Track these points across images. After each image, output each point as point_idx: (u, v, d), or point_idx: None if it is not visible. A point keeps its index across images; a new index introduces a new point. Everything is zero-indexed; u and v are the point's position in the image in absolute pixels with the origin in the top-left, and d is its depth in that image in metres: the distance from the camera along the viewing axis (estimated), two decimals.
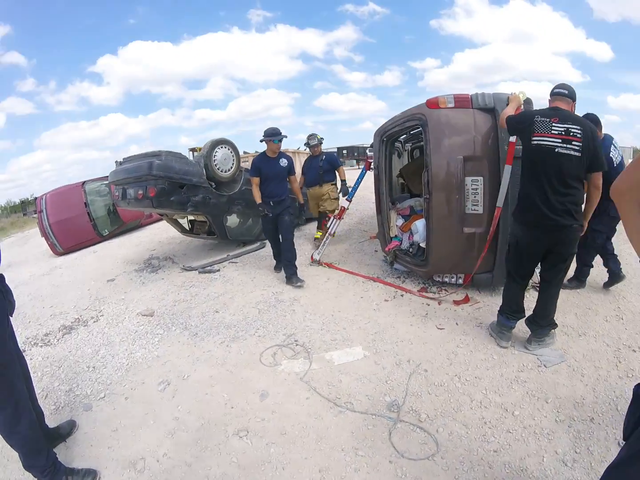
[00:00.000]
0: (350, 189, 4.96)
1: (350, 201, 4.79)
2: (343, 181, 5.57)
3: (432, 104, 3.39)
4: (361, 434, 2.08)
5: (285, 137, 4.23)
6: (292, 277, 4.16)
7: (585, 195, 2.60)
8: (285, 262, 4.24)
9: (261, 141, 4.18)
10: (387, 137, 4.01)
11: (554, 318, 2.81)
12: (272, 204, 4.20)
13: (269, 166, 4.15)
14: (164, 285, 4.49)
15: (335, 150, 36.32)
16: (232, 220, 5.23)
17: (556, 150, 2.42)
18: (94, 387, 2.70)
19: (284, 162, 4.23)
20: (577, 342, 2.96)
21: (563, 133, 2.41)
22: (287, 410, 2.28)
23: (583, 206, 2.60)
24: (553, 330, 2.85)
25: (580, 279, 3.73)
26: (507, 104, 3.00)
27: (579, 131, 2.40)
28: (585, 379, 2.53)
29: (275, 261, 4.67)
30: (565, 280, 3.27)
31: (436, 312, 3.45)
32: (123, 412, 2.44)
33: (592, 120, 3.27)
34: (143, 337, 3.26)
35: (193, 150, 10.61)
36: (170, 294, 4.07)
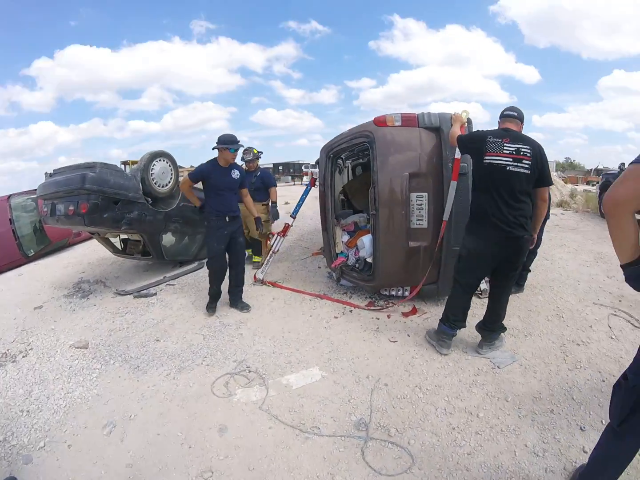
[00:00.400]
0: (277, 211, 5.10)
1: (294, 218, 4.75)
2: (273, 203, 5.30)
3: (380, 122, 3.51)
4: (334, 458, 2.01)
5: (242, 146, 3.89)
6: (238, 302, 3.92)
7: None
8: (236, 288, 3.94)
9: (214, 149, 3.72)
10: (334, 153, 4.05)
11: (503, 322, 3.01)
12: (227, 219, 3.75)
13: (219, 176, 3.69)
14: (96, 312, 4.06)
15: (271, 166, 36.26)
16: (168, 238, 4.87)
17: (507, 168, 2.61)
18: (32, 435, 2.31)
19: (235, 173, 3.87)
20: (525, 342, 3.23)
21: (514, 152, 2.61)
22: (250, 443, 2.13)
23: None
24: (502, 333, 3.05)
25: (519, 284, 4.05)
26: (452, 124, 3.19)
27: (529, 150, 2.62)
28: (538, 375, 2.75)
29: (209, 298, 3.91)
30: None
31: (387, 325, 3.52)
32: (68, 463, 2.10)
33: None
34: (79, 373, 2.88)
35: (125, 163, 9.95)
36: (104, 322, 3.68)
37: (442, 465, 1.98)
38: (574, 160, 49.46)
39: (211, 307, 3.83)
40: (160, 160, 4.63)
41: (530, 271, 4.14)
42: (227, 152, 3.68)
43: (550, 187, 3.41)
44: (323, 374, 2.72)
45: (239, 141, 3.79)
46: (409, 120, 3.48)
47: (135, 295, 4.31)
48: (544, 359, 2.95)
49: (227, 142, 3.68)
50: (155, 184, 4.54)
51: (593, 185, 20.38)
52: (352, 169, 6.56)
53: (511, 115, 2.80)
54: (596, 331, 3.40)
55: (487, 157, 2.66)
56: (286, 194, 18.27)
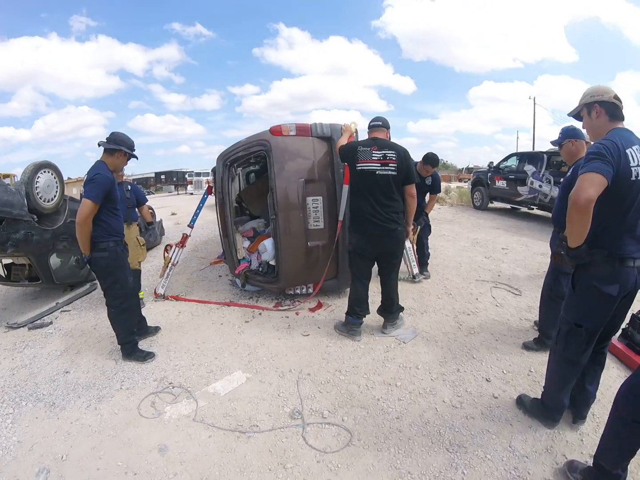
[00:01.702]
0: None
1: (192, 227, 4.79)
2: (149, 224, 4.88)
3: (276, 131, 3.82)
4: (279, 450, 2.19)
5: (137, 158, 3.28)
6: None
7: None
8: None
9: (110, 151, 3.02)
10: (231, 161, 4.23)
11: (399, 303, 3.58)
12: (123, 244, 3.23)
13: (116, 187, 3.10)
14: None
15: (153, 175, 33.92)
16: (56, 260, 4.46)
17: (376, 172, 3.15)
18: None
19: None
20: (422, 318, 3.89)
21: (381, 158, 3.15)
22: (195, 456, 2.17)
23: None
24: (401, 313, 3.63)
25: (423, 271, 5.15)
26: (342, 134, 3.65)
27: (394, 155, 3.17)
28: (439, 343, 3.37)
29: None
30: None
31: (297, 322, 3.85)
32: None
33: (429, 159, 4.62)
34: None
35: None
36: (2, 360, 3.27)
37: (377, 432, 2.31)
38: (447, 161, 56.91)
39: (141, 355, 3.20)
40: (44, 172, 4.20)
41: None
42: (124, 159, 3.14)
43: None
44: (247, 376, 2.90)
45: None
46: (303, 130, 3.87)
47: (30, 327, 3.92)
48: (441, 330, 3.62)
49: (132, 148, 3.16)
50: (40, 198, 4.12)
51: (465, 182, 23.50)
52: (245, 176, 6.75)
53: (377, 125, 3.35)
54: (482, 302, 4.26)
55: (358, 165, 3.18)
56: (172, 204, 17.58)
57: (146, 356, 3.17)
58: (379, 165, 3.14)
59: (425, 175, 4.79)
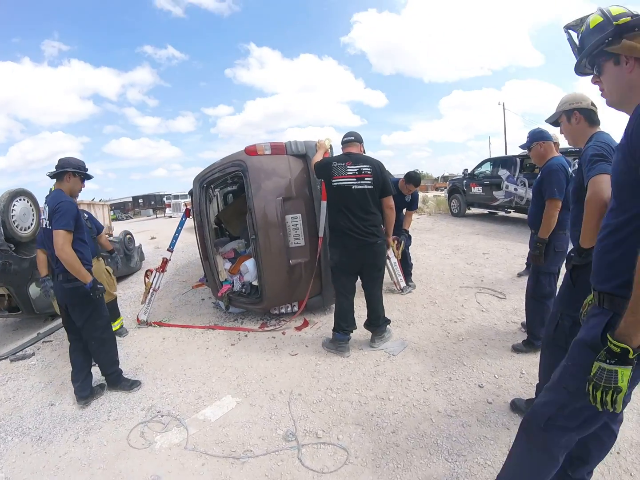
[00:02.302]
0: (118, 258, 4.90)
1: (171, 251, 4.75)
2: (111, 252, 4.49)
3: (251, 151, 3.86)
4: (276, 473, 2.15)
5: (92, 177, 3.15)
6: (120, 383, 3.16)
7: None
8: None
9: (57, 175, 2.89)
10: (207, 183, 4.23)
11: (385, 315, 3.59)
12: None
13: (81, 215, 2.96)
14: None
15: (130, 199, 33.47)
16: (35, 289, 4.31)
17: (353, 187, 3.20)
18: None
19: (83, 215, 3.37)
20: (410, 329, 3.91)
21: (357, 173, 3.21)
22: None
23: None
24: (388, 325, 3.65)
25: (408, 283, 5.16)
26: (317, 151, 3.70)
27: (369, 169, 3.23)
28: (429, 353, 3.39)
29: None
30: None
31: (284, 341, 3.82)
32: None
33: (412, 178, 4.69)
34: None
35: None
36: None
37: (374, 448, 2.30)
38: (422, 171, 57.80)
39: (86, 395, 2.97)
40: (20, 199, 4.18)
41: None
42: (78, 181, 3.00)
43: None
44: (237, 400, 2.86)
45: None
46: (277, 149, 3.91)
47: (12, 359, 3.80)
48: (430, 339, 3.65)
49: (80, 167, 2.98)
50: (17, 227, 4.08)
51: (442, 190, 23.91)
52: (223, 196, 6.75)
53: (350, 140, 3.41)
54: (468, 308, 4.33)
55: (334, 181, 3.23)
56: (151, 228, 17.38)
57: (132, 385, 3.09)
58: (355, 180, 3.19)
59: (406, 194, 4.86)
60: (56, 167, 2.92)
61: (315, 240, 3.99)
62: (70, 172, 2.91)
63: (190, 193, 4.61)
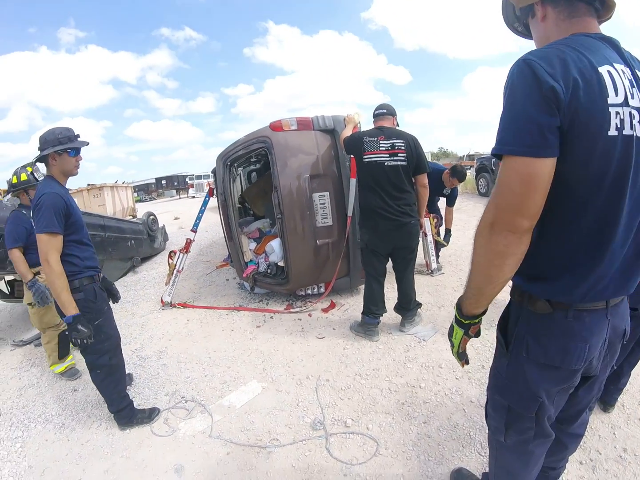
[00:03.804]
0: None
1: (195, 232, 4.64)
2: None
3: (276, 127, 3.66)
4: (303, 464, 2.06)
5: (87, 143, 2.36)
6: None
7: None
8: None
9: (40, 158, 2.24)
10: (231, 161, 4.07)
11: (416, 299, 3.40)
12: (101, 279, 2.46)
13: (76, 205, 2.36)
14: None
15: (154, 180, 33.81)
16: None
17: (385, 164, 2.96)
18: None
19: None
20: (440, 313, 3.73)
21: (389, 148, 2.97)
22: (213, 475, 2.03)
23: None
24: (419, 309, 3.46)
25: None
26: (345, 126, 3.47)
27: (403, 144, 2.99)
28: None
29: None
30: None
31: (310, 324, 3.69)
32: None
33: (458, 172, 4.44)
34: (0, 448, 2.45)
35: None
36: (10, 380, 3.14)
37: (404, 439, 2.18)
38: (447, 149, 56.61)
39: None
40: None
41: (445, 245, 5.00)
42: (65, 159, 2.24)
43: None
44: (263, 386, 2.75)
45: (78, 134, 2.33)
46: (304, 124, 3.70)
47: (36, 344, 3.78)
48: None
49: (61, 140, 2.21)
50: None
51: (468, 169, 23.24)
52: (247, 175, 6.60)
53: (382, 114, 3.16)
54: (500, 292, 4.05)
55: (365, 157, 3.00)
56: (174, 208, 17.55)
57: (151, 413, 2.51)
58: (388, 155, 2.97)
59: (448, 187, 4.63)
60: (38, 148, 2.26)
61: (344, 220, 3.80)
62: (52, 153, 2.19)
63: (214, 172, 4.46)
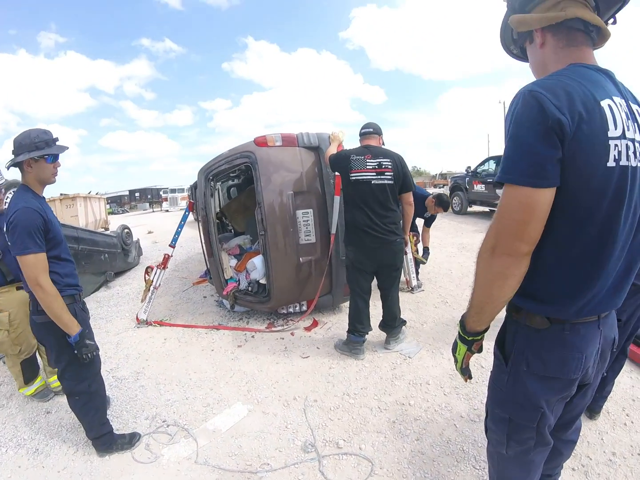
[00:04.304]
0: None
1: (173, 247, 4.51)
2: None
3: (260, 142, 3.62)
4: None
5: (67, 148, 2.16)
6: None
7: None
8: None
9: (14, 165, 2.02)
10: (213, 175, 3.99)
11: (401, 316, 3.41)
12: (83, 299, 2.28)
13: (55, 217, 2.15)
14: None
15: (127, 193, 33.00)
16: None
17: (372, 182, 2.99)
18: None
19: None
20: (423, 330, 3.74)
21: (376, 167, 3.00)
22: None
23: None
24: (403, 327, 3.46)
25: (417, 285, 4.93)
26: (330, 143, 3.48)
27: (389, 163, 3.02)
28: (445, 355, 3.22)
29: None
30: None
31: (294, 343, 3.61)
32: None
33: (443, 202, 4.55)
34: None
35: None
36: None
37: (399, 457, 2.15)
38: (420, 168, 58.03)
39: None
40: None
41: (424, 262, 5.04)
42: (42, 165, 2.04)
43: None
44: (249, 408, 2.65)
45: (56, 138, 2.11)
46: (288, 140, 3.68)
47: (4, 361, 3.56)
48: (445, 340, 3.48)
49: (37, 145, 1.99)
50: None
51: (440, 187, 23.94)
52: (227, 190, 6.51)
53: (368, 132, 3.20)
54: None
55: (352, 175, 3.01)
56: (147, 222, 17.10)
57: (132, 439, 2.35)
58: (374, 174, 2.99)
59: (431, 213, 4.76)
60: (12, 152, 2.04)
61: (327, 237, 3.78)
62: (28, 158, 1.97)
63: (193, 187, 4.37)
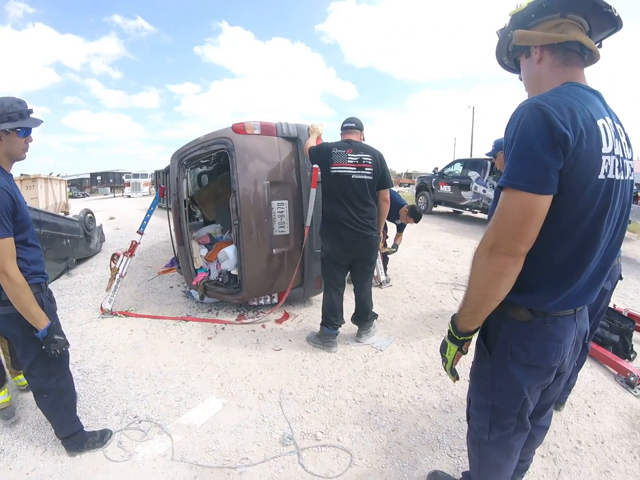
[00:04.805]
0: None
1: (142, 234, 4.30)
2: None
3: (239, 129, 3.51)
4: None
5: (41, 122, 1.94)
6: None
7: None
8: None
9: None
10: (187, 160, 3.84)
11: (373, 310, 3.45)
12: (48, 289, 2.07)
13: (22, 198, 1.90)
14: None
15: (89, 176, 31.36)
16: None
17: (352, 176, 2.98)
18: None
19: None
20: (393, 324, 3.81)
21: (357, 162, 2.99)
22: None
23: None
24: (375, 320, 3.50)
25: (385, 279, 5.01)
26: (309, 135, 3.43)
27: (370, 159, 3.02)
28: (415, 348, 3.31)
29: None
30: None
31: (265, 335, 3.56)
32: None
33: (416, 214, 4.63)
34: None
35: None
36: None
37: (377, 448, 2.18)
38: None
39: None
40: None
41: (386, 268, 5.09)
42: (14, 139, 1.84)
43: None
44: (223, 402, 2.58)
45: (31, 109, 1.91)
46: (268, 129, 3.59)
47: None
48: (414, 334, 3.56)
49: (19, 115, 1.82)
50: None
51: (406, 186, 24.36)
52: (197, 177, 6.30)
53: (350, 127, 3.19)
54: (446, 304, 4.31)
55: (333, 168, 3.00)
56: (109, 207, 16.41)
57: (103, 436, 2.21)
58: (355, 169, 2.98)
59: (402, 222, 4.82)
60: None
61: (301, 230, 3.74)
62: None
63: (165, 171, 4.20)
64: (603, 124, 1.07)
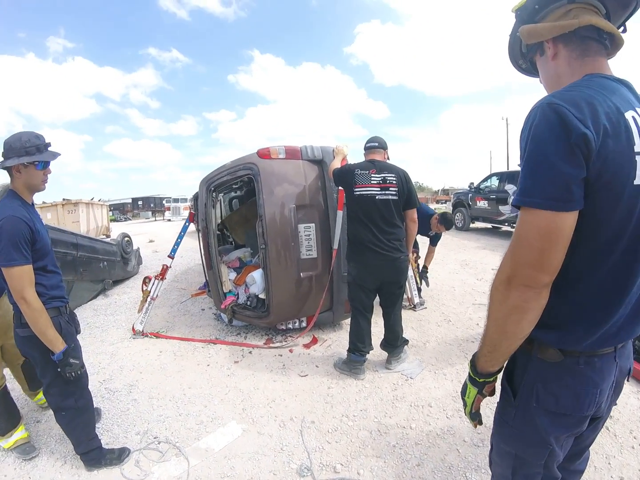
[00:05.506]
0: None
1: (172, 258, 4.44)
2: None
3: (264, 154, 3.59)
4: None
5: (58, 155, 2.03)
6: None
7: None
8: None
9: (3, 168, 1.94)
10: (215, 186, 3.96)
11: (403, 336, 3.33)
12: (70, 313, 2.21)
13: (43, 226, 2.05)
14: None
15: (130, 201, 33.14)
16: None
17: (376, 197, 2.93)
18: None
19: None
20: (426, 349, 3.66)
21: (381, 182, 2.95)
22: None
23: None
24: (405, 346, 3.38)
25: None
26: (334, 157, 3.44)
27: (394, 178, 2.97)
28: (448, 376, 3.15)
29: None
30: None
31: (292, 360, 3.53)
32: None
33: (447, 221, 4.56)
34: None
35: None
36: None
37: None
38: (422, 184, 58.53)
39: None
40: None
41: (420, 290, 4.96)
42: (32, 171, 1.94)
43: None
44: (243, 427, 2.57)
45: (49, 143, 2.01)
46: (292, 153, 3.65)
47: None
48: (447, 361, 3.40)
49: (27, 150, 1.91)
50: None
51: (443, 203, 24.04)
52: (228, 202, 6.47)
53: (373, 147, 3.16)
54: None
55: (356, 189, 2.96)
56: (149, 230, 17.13)
57: (121, 454, 2.26)
58: (379, 189, 2.94)
59: (434, 231, 4.76)
60: (1, 154, 1.96)
61: (328, 253, 3.72)
62: (18, 164, 1.90)
63: (195, 197, 4.33)
64: (633, 117, 0.87)
